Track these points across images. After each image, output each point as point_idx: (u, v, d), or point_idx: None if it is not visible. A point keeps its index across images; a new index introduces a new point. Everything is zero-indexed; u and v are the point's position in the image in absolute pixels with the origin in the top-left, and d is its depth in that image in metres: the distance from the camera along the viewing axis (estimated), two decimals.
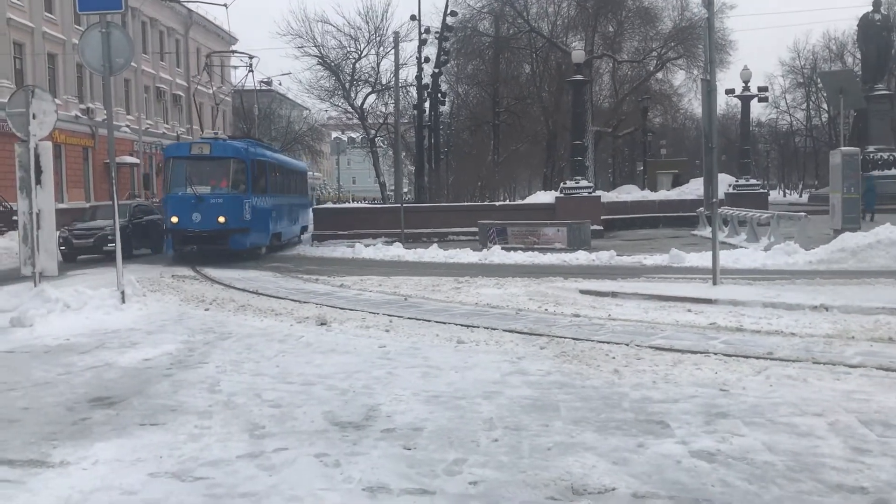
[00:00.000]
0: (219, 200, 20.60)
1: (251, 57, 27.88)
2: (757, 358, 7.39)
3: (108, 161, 16.80)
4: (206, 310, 11.47)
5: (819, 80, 50.93)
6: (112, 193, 12.04)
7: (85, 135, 40.22)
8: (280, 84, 56.43)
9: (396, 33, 32.34)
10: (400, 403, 5.95)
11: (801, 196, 59.66)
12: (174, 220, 20.38)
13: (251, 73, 28.58)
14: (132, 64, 33.38)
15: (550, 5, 39.78)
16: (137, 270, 17.02)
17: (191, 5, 48.78)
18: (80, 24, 33.70)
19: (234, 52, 35.38)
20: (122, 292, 11.32)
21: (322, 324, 9.93)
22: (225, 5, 26.30)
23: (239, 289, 14.25)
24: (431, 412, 5.71)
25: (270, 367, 7.39)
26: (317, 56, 38.33)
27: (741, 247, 19.90)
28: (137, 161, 44.89)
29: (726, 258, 16.08)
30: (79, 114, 39.30)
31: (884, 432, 5.02)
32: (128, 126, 44.61)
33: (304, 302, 12.08)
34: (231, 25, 56.58)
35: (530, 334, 8.84)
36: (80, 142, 39.74)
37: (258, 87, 43.02)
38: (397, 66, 30.78)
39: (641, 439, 5.00)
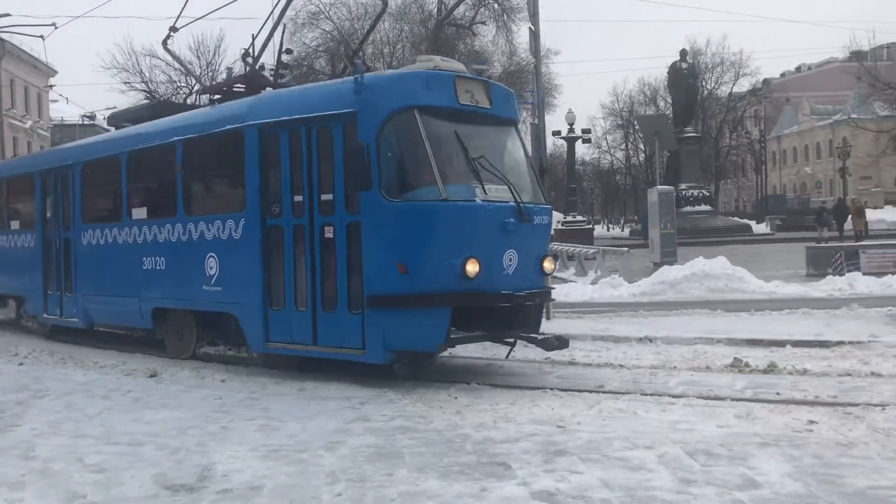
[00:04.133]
0: (543, 221, 9.19)
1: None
2: (590, 391, 7.70)
3: None
4: (21, 364, 10.55)
5: (636, 122, 54.67)
6: None
7: None
8: (105, 119, 53.60)
9: (230, 69, 31.62)
10: (237, 461, 5.68)
11: (622, 230, 63.48)
12: (470, 268, 7.98)
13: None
14: None
15: (386, 46, 40.42)
16: None
17: (3, 34, 45.46)
18: None
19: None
20: None
21: (152, 375, 9.39)
22: (41, 36, 24.53)
23: (61, 341, 13.20)
24: (270, 468, 5.48)
25: (94, 427, 6.86)
26: (145, 91, 36.83)
27: (570, 281, 20.78)
28: None
29: (557, 292, 16.72)
30: None
31: (707, 461, 5.32)
32: None
33: (132, 352, 11.38)
34: (51, 56, 53.01)
35: (367, 376, 8.76)
36: None
37: (81, 122, 40.64)
38: None
39: (484, 483, 5.04)
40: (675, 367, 8.94)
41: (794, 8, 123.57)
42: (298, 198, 8.75)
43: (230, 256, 9.48)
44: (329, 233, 8.45)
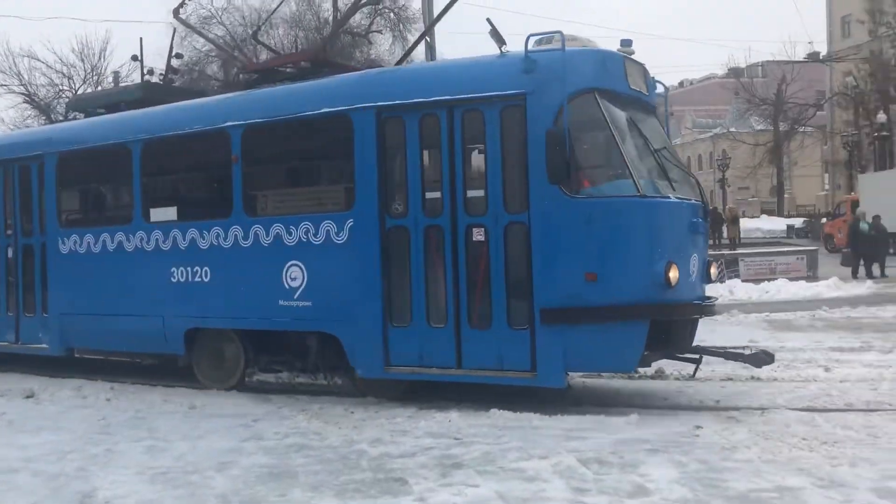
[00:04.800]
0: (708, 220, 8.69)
1: None
2: (486, 402, 7.73)
3: None
4: None
5: None
6: None
7: None
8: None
9: (116, 73, 30.55)
10: (121, 486, 5.41)
11: None
12: (672, 275, 7.05)
13: None
14: None
15: (281, 53, 39.76)
16: None
17: None
18: None
19: None
20: None
21: (29, 396, 8.87)
22: None
23: None
24: (158, 492, 5.26)
25: None
26: (23, 94, 34.98)
27: None
28: None
29: None
30: None
31: (599, 470, 5.44)
32: None
33: (7, 371, 10.70)
34: None
35: (260, 391, 8.55)
36: None
37: None
38: None
39: (380, 500, 4.98)
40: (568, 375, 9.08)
41: (679, 26, 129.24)
42: (434, 194, 7.50)
43: (328, 265, 7.90)
44: (479, 235, 7.23)
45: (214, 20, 36.95)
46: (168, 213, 9.13)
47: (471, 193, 7.37)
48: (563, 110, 6.86)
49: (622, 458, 5.66)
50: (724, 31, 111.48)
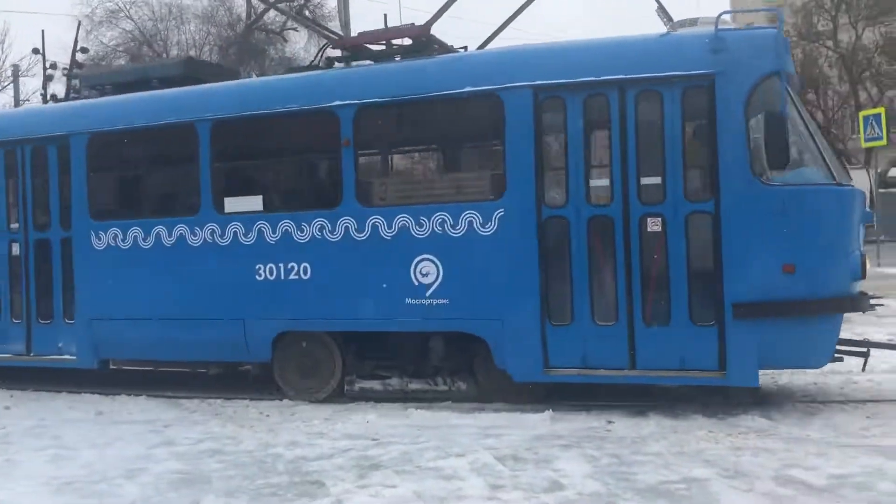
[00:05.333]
0: None
1: None
2: (403, 402, 7.75)
3: None
4: None
5: None
6: None
7: None
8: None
9: (16, 66, 29.24)
10: (24, 497, 5.19)
11: None
12: (863, 265, 7.11)
13: None
14: None
15: (192, 49, 38.87)
16: None
17: None
18: None
19: None
20: None
21: None
22: None
23: None
24: (64, 503, 5.07)
25: None
26: None
27: None
28: None
29: None
30: None
31: (515, 466, 5.52)
32: None
33: None
34: None
35: (175, 397, 8.34)
36: None
37: None
38: (17, 102, 27.73)
39: (297, 503, 4.93)
40: None
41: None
42: (600, 182, 7.03)
43: (471, 259, 7.24)
44: (654, 226, 6.76)
45: (122, 14, 35.86)
46: (251, 204, 8.06)
47: (645, 180, 6.87)
48: (753, 93, 6.59)
49: (537, 454, 5.76)
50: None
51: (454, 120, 7.85)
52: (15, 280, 9.13)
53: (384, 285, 7.50)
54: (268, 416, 7.44)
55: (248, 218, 7.97)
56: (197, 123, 8.16)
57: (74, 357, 8.71)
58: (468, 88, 7.30)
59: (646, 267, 6.83)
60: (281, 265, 7.82)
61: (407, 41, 8.21)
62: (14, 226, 9.23)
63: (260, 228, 7.91)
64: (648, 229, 6.80)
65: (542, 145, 7.15)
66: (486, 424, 6.78)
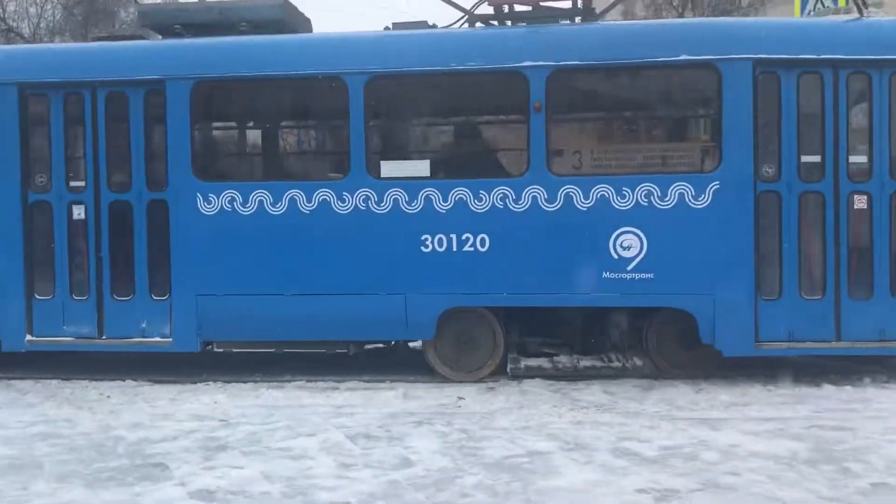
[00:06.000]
0: None
1: None
2: (254, 382, 7.60)
3: None
4: None
5: None
6: None
7: None
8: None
9: None
10: None
11: None
12: None
13: None
14: None
15: (32, 6, 36.12)
16: None
17: None
18: None
19: None
20: None
21: None
22: None
23: None
24: None
25: None
26: None
27: None
28: None
29: None
30: None
31: (366, 444, 5.55)
32: None
33: None
34: None
35: (5, 378, 7.81)
36: None
37: None
38: None
39: (138, 488, 4.74)
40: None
41: None
42: (811, 158, 7.15)
43: (680, 232, 7.07)
44: (861, 203, 7.08)
45: None
46: (415, 169, 7.47)
47: (853, 159, 7.13)
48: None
49: (389, 432, 5.82)
50: None
51: (663, 88, 7.67)
52: (76, 249, 7.85)
53: (577, 258, 7.25)
54: (108, 397, 7.11)
55: (411, 184, 7.38)
56: (346, 77, 7.42)
57: (169, 339, 7.70)
58: (683, 56, 7.17)
59: (852, 243, 7.14)
60: (453, 236, 7.34)
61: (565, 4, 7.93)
62: (76, 184, 7.87)
63: (427, 196, 7.36)
64: (855, 206, 7.12)
65: (759, 120, 7.15)
66: (340, 403, 6.77)
